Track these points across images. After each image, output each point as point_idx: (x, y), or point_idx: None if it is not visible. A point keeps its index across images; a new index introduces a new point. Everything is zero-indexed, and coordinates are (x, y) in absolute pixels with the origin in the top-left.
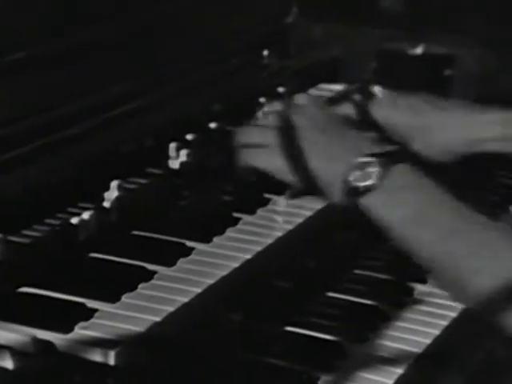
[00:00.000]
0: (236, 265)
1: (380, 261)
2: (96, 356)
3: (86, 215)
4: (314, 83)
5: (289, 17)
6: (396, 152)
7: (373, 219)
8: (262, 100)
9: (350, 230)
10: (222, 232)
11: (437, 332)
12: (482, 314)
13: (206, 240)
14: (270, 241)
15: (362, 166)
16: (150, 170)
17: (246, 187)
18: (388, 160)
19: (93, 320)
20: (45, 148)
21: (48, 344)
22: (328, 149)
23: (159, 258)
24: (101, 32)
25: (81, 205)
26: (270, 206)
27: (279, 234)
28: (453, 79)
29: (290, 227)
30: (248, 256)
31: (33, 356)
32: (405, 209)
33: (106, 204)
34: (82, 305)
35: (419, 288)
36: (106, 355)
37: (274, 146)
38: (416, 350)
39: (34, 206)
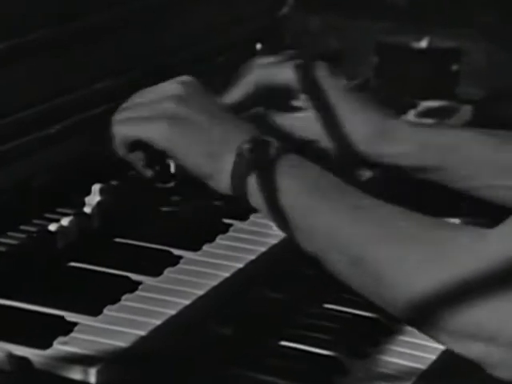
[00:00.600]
0: (227, 274)
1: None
2: (76, 374)
3: (65, 221)
4: None
5: (284, 7)
6: None
7: None
8: None
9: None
10: (211, 239)
11: (442, 346)
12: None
13: (195, 248)
14: (263, 249)
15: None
16: (135, 172)
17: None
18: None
19: (72, 334)
20: (19, 149)
21: (24, 360)
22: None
23: (144, 268)
24: (80, 27)
25: (59, 210)
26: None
27: (273, 241)
28: (460, 75)
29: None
30: (240, 265)
31: (8, 373)
32: (302, 181)
33: (87, 209)
34: (61, 318)
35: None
36: (86, 373)
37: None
38: (420, 366)
39: (9, 211)
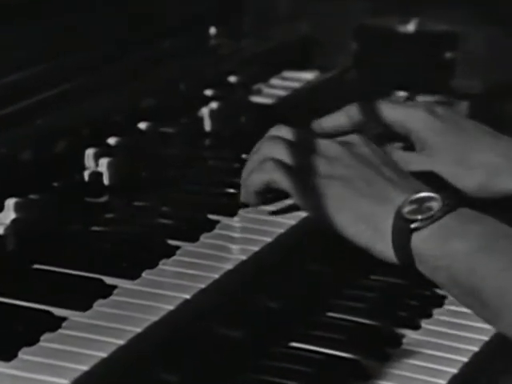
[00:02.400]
0: (170, 307)
1: (361, 301)
2: None
3: None
4: (276, 70)
5: None
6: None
7: (422, 258)
8: (207, 92)
9: (327, 259)
10: (153, 265)
11: None
12: None
13: (132, 276)
14: (216, 276)
15: (420, 201)
16: (59, 183)
17: (188, 206)
18: (451, 198)
19: None
20: None
21: None
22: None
23: (69, 300)
24: None
25: None
26: (218, 231)
27: (229, 266)
28: (455, 64)
29: (243, 257)
30: (187, 296)
31: None
32: (469, 240)
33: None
34: None
35: (410, 336)
36: None
37: None
38: None
39: None
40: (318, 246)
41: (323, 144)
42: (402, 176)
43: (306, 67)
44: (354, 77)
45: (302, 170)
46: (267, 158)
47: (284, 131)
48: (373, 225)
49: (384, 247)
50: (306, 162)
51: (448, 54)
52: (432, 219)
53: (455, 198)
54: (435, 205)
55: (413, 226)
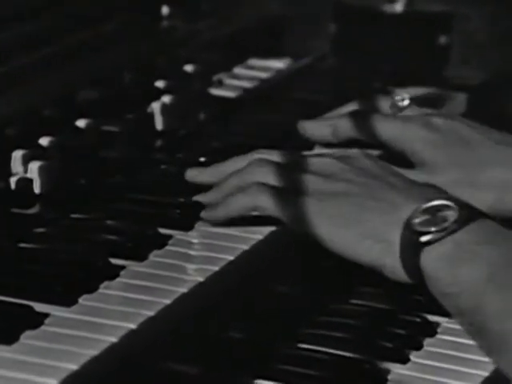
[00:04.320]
0: (113, 339)
1: (339, 329)
2: None
3: None
4: (241, 58)
5: None
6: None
7: (431, 280)
8: (158, 84)
9: (298, 281)
10: (93, 288)
11: None
12: None
13: (68, 302)
14: (167, 301)
15: (433, 211)
16: None
17: (135, 218)
18: (470, 207)
19: None
20: None
21: None
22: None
23: None
24: None
25: None
26: (170, 247)
27: (183, 290)
28: (450, 50)
29: (201, 279)
30: (132, 325)
31: None
32: (480, 268)
33: None
34: None
35: (396, 371)
36: None
37: None
38: None
39: None
40: (289, 266)
41: (317, 162)
42: (412, 184)
43: (276, 54)
44: (332, 65)
45: (294, 191)
46: (251, 183)
47: (269, 153)
48: (380, 239)
49: (394, 263)
50: (297, 182)
51: (442, 39)
52: (446, 232)
53: (474, 207)
54: (451, 215)
55: (423, 239)
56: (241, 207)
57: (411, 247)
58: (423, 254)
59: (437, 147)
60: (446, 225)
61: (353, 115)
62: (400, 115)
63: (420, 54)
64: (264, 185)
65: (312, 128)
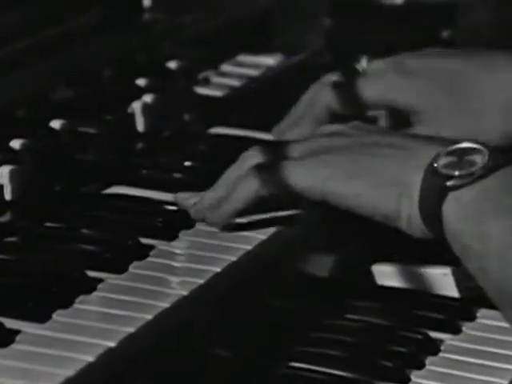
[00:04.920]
0: (90, 358)
1: (334, 347)
2: None
3: None
4: (229, 54)
5: None
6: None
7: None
8: (139, 82)
9: (290, 294)
10: (68, 303)
11: None
12: None
13: (41, 317)
14: (149, 316)
15: (460, 153)
16: None
17: (114, 227)
18: (500, 151)
19: None
20: None
21: None
22: None
23: None
24: None
25: None
26: (152, 259)
27: (165, 304)
28: (454, 42)
29: (184, 293)
30: (111, 343)
31: None
32: (508, 222)
33: None
34: None
35: None
36: None
37: None
38: None
39: None
40: (279, 277)
41: (318, 131)
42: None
43: (266, 50)
44: (327, 61)
45: (296, 155)
46: (248, 169)
47: (260, 148)
48: (397, 186)
49: (412, 212)
50: (297, 148)
51: (445, 32)
52: (473, 177)
53: (505, 152)
54: (479, 159)
55: (449, 183)
56: (246, 194)
57: (434, 192)
58: (446, 201)
59: (423, 91)
60: (473, 169)
61: (332, 87)
62: (371, 72)
63: (421, 48)
64: (261, 164)
65: (292, 132)
